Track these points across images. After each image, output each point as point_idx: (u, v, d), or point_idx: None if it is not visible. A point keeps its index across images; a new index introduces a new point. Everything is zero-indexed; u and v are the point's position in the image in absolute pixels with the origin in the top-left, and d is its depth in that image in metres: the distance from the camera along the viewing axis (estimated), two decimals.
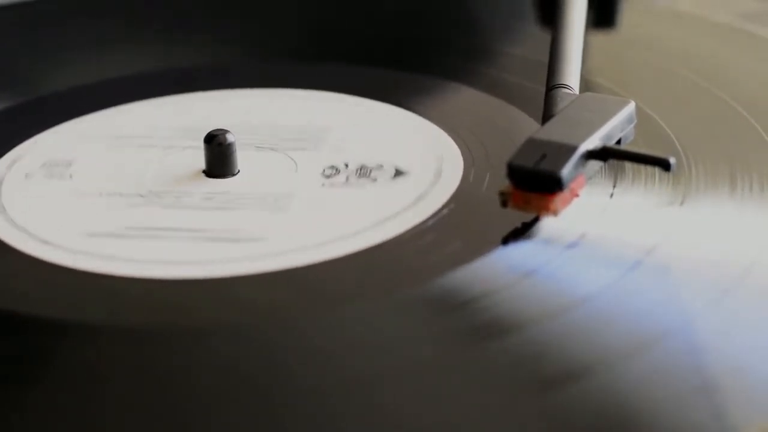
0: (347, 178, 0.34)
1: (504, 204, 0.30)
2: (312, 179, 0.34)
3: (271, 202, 0.33)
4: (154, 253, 0.30)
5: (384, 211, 0.32)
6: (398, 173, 0.34)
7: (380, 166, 0.34)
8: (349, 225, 0.31)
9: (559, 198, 0.29)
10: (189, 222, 0.32)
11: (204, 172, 0.34)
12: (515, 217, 0.30)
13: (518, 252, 0.30)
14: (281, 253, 0.30)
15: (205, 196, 0.33)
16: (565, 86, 0.34)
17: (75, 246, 0.31)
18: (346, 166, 0.34)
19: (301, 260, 0.30)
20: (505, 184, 0.30)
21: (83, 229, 0.32)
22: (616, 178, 0.32)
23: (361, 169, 0.34)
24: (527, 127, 0.34)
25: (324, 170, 0.34)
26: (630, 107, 0.32)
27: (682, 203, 0.31)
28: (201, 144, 0.34)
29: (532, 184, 0.29)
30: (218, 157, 0.34)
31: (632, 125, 0.32)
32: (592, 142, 0.30)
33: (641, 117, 0.34)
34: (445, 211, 0.32)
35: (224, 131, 0.34)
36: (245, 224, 0.32)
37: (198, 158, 0.35)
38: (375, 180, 0.33)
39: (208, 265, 0.30)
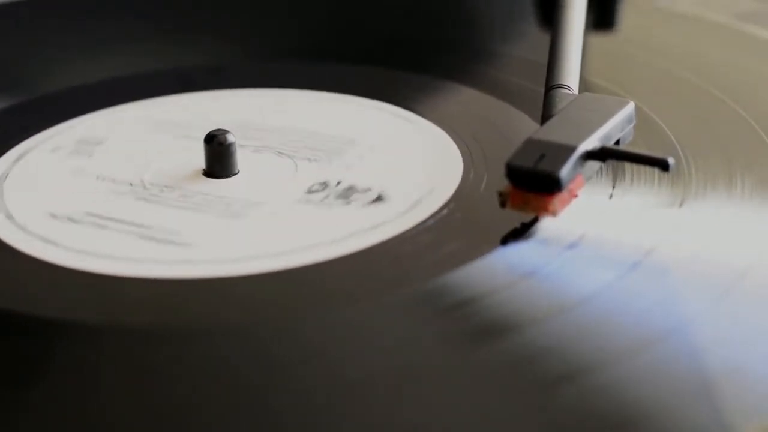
0: (327, 197, 0.33)
1: (503, 204, 0.30)
2: (295, 192, 0.33)
3: (233, 209, 0.32)
4: (88, 244, 0.31)
5: (327, 234, 0.31)
6: (377, 199, 0.33)
7: (367, 189, 0.33)
8: (284, 243, 0.31)
9: (557, 198, 0.29)
10: (140, 217, 0.32)
11: (204, 172, 0.34)
12: (515, 218, 0.30)
13: (518, 252, 0.30)
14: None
15: (184, 194, 0.33)
16: (565, 86, 0.34)
17: (30, 226, 0.32)
18: (337, 184, 0.34)
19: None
20: (504, 184, 0.30)
21: (49, 208, 0.33)
22: (615, 178, 0.32)
23: (347, 190, 0.33)
24: (527, 127, 0.34)
25: (312, 185, 0.34)
26: (629, 108, 0.32)
27: (681, 204, 0.31)
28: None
29: (531, 185, 0.29)
30: (217, 157, 0.34)
31: (631, 126, 0.32)
32: (591, 143, 0.30)
33: (641, 117, 0.34)
34: (444, 211, 0.32)
35: (224, 131, 0.34)
36: (187, 227, 0.32)
37: (193, 159, 0.35)
38: (349, 204, 0.33)
39: (132, 262, 0.30)
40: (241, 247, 0.31)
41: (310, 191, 0.33)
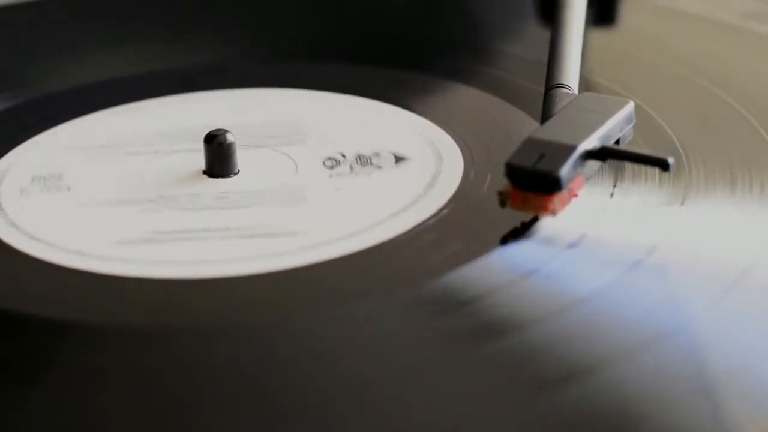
0: (351, 168, 0.34)
1: (502, 204, 0.30)
2: (316, 172, 0.34)
3: (287, 196, 0.33)
4: (190, 254, 0.30)
5: (405, 195, 0.32)
6: (398, 159, 0.34)
7: (377, 154, 0.34)
8: (379, 210, 0.32)
9: (557, 198, 0.29)
10: (217, 221, 0.32)
11: (204, 172, 0.34)
12: (515, 217, 0.30)
13: (518, 252, 0.30)
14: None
15: (218, 195, 0.33)
16: (564, 86, 0.34)
17: (110, 254, 0.31)
18: (344, 156, 0.34)
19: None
20: (504, 183, 0.30)
21: (112, 237, 0.31)
22: (616, 177, 0.32)
23: (359, 158, 0.34)
24: (527, 126, 0.34)
25: (324, 162, 0.34)
26: (629, 107, 0.32)
27: (682, 203, 0.31)
28: (193, 145, 0.35)
29: (531, 184, 0.29)
30: (219, 157, 0.34)
31: (631, 125, 0.32)
32: (591, 142, 0.30)
33: (641, 116, 0.34)
34: (445, 211, 0.32)
35: (224, 131, 0.34)
36: (273, 219, 0.32)
37: (191, 159, 0.35)
38: (379, 167, 0.34)
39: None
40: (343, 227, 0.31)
41: (327, 167, 0.34)
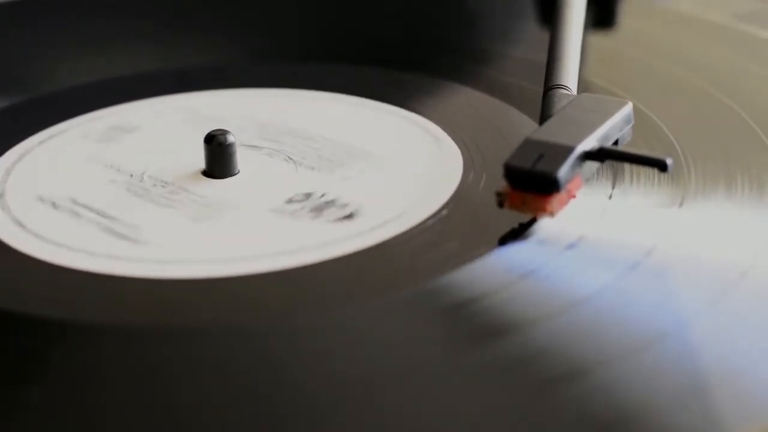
0: (301, 209, 0.33)
1: (501, 204, 0.30)
2: (274, 199, 0.33)
3: (206, 209, 0.33)
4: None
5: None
6: (348, 217, 0.32)
7: (344, 205, 0.33)
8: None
9: (555, 199, 0.29)
10: (113, 209, 0.33)
11: (204, 173, 0.34)
12: (515, 218, 0.30)
13: (517, 253, 0.30)
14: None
15: (172, 191, 0.33)
16: (563, 87, 0.34)
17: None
18: (321, 196, 0.33)
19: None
20: (502, 184, 0.30)
21: (39, 190, 0.33)
22: (615, 179, 0.32)
23: (324, 204, 0.33)
24: (526, 127, 0.34)
25: (294, 195, 0.33)
26: (627, 108, 0.32)
27: (681, 204, 0.31)
28: (192, 145, 0.35)
29: (529, 185, 0.29)
30: (219, 158, 0.34)
31: (630, 126, 0.32)
32: (589, 143, 0.30)
33: (640, 117, 0.34)
34: (444, 211, 0.32)
35: (224, 131, 0.34)
36: (148, 224, 0.32)
37: (191, 160, 0.35)
38: (318, 217, 0.32)
39: (97, 257, 0.30)
40: (194, 249, 0.31)
41: (288, 200, 0.33)
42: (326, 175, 0.34)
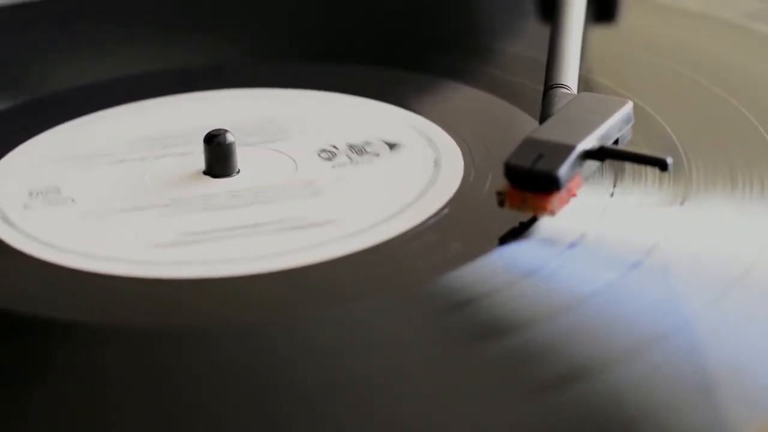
0: (349, 158, 0.34)
1: (501, 204, 0.30)
2: (317, 165, 0.34)
3: (303, 189, 0.33)
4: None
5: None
6: (391, 146, 0.34)
7: (368, 143, 0.34)
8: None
9: (555, 198, 0.29)
10: (246, 219, 0.32)
11: (205, 172, 0.34)
12: (516, 217, 0.30)
13: (518, 252, 0.30)
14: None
15: (232, 194, 0.33)
16: (564, 86, 0.34)
17: (147, 258, 0.30)
18: (336, 147, 0.35)
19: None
20: (502, 183, 0.30)
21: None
22: (616, 177, 0.32)
23: (352, 147, 0.34)
24: (527, 126, 0.34)
25: (319, 154, 0.35)
26: (628, 107, 0.32)
27: (682, 203, 0.31)
28: (192, 145, 0.35)
29: (529, 184, 0.29)
30: (219, 157, 0.34)
31: (630, 125, 0.32)
32: (590, 142, 0.30)
33: (642, 116, 0.34)
34: (445, 211, 0.32)
35: (224, 131, 0.34)
36: (307, 212, 0.32)
37: (190, 160, 0.35)
38: (377, 154, 0.34)
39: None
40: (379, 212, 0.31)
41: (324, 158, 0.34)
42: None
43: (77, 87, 0.41)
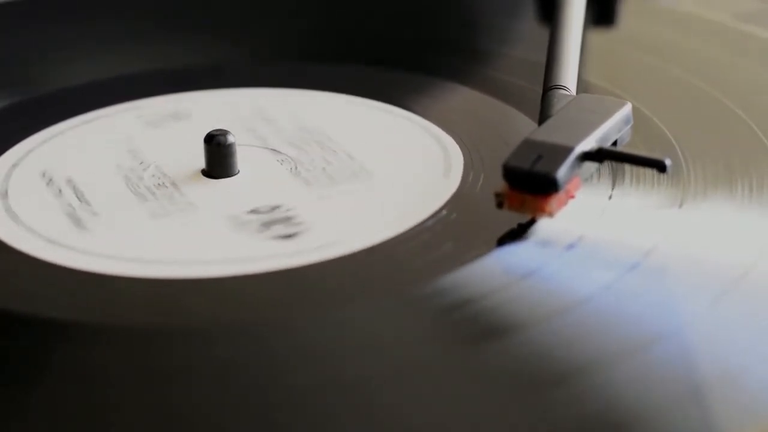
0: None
1: (500, 205, 0.30)
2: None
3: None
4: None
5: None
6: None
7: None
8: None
9: (554, 199, 0.29)
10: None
11: (204, 173, 0.34)
12: (514, 219, 0.30)
13: (517, 253, 0.30)
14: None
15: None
16: (562, 87, 0.34)
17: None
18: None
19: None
20: (501, 184, 0.30)
21: (43, 166, 0.34)
22: (615, 179, 0.32)
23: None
24: (526, 127, 0.34)
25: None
26: (627, 108, 0.32)
27: (681, 205, 0.31)
28: (191, 145, 0.35)
29: (528, 186, 0.29)
30: (219, 158, 0.34)
31: (629, 127, 0.32)
32: (588, 144, 0.30)
33: (640, 118, 0.34)
34: (444, 211, 0.32)
35: (224, 131, 0.34)
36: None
37: (190, 160, 0.35)
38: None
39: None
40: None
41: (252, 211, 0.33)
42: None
43: (77, 87, 0.41)
